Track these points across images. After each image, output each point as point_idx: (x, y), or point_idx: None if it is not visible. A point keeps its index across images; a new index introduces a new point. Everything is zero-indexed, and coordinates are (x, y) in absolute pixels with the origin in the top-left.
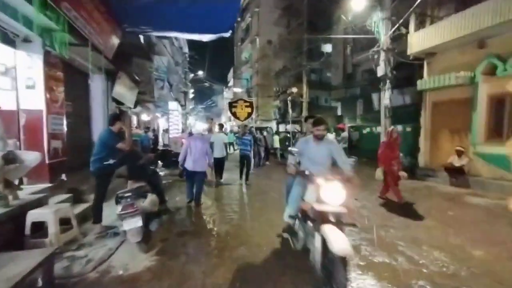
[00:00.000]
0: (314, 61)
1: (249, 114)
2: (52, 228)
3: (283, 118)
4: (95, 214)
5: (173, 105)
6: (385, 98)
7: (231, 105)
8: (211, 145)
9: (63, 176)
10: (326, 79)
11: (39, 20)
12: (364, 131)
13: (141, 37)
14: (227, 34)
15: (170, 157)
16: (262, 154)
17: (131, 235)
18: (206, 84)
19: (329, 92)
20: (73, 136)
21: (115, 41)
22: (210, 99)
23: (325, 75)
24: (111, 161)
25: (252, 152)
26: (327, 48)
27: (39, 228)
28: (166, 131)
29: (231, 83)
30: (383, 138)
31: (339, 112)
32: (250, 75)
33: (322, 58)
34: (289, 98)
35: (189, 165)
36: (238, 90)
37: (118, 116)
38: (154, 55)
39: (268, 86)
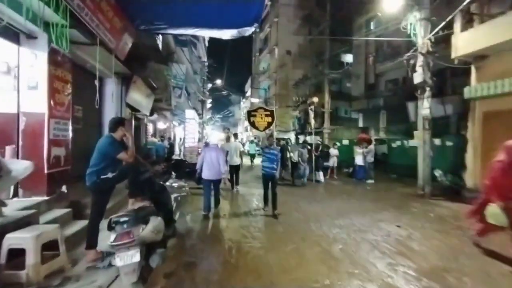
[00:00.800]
0: (334, 71)
1: (269, 124)
2: (31, 258)
3: (302, 129)
4: (89, 237)
5: (190, 113)
6: (424, 107)
7: (250, 114)
8: (227, 153)
9: (64, 188)
10: (346, 89)
11: (44, 14)
12: (394, 145)
13: (158, 40)
14: (251, 29)
15: (184, 168)
16: (307, 171)
17: (125, 274)
18: (224, 93)
19: (349, 103)
20: (81, 143)
21: (128, 40)
22: (227, 109)
23: (345, 85)
24: (109, 175)
25: (278, 171)
26: (348, 58)
27: (21, 254)
28: (182, 140)
29: (248, 93)
30: (420, 153)
31: (360, 124)
32: (268, 85)
33: (342, 68)
34: (310, 108)
35: (205, 174)
36: (255, 100)
37: (121, 121)
38: (172, 62)
39: (286, 96)
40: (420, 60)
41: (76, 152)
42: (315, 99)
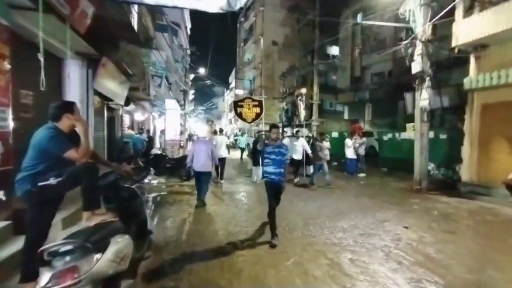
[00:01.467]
0: (324, 61)
1: (258, 115)
2: None
3: (289, 121)
4: (25, 266)
5: (170, 103)
6: (423, 98)
7: (237, 104)
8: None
9: (1, 195)
10: (331, 82)
11: None
12: (385, 137)
13: (132, 18)
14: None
15: (165, 163)
16: (326, 168)
17: None
18: (207, 82)
19: (335, 96)
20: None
21: (87, 8)
22: (211, 101)
23: (330, 78)
24: (52, 180)
25: (285, 175)
26: (334, 50)
27: None
28: (163, 132)
29: (232, 85)
30: (417, 146)
31: (346, 116)
32: (253, 77)
33: (328, 60)
34: (300, 98)
35: (196, 167)
36: (240, 91)
37: (66, 105)
38: (151, 49)
39: (272, 88)
40: (419, 48)
41: (24, 148)
42: (304, 90)
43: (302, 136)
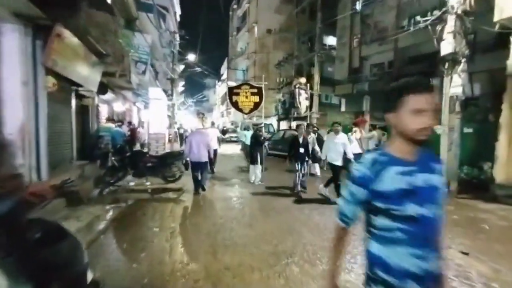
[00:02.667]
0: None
1: (256, 105)
2: None
3: (286, 114)
4: None
5: (155, 92)
6: (454, 85)
7: (232, 91)
8: None
9: None
10: (327, 74)
11: None
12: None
13: None
14: None
15: (145, 162)
16: None
17: None
18: (197, 70)
19: (332, 87)
20: None
21: None
22: (201, 93)
23: (326, 69)
24: None
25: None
26: (330, 40)
27: None
28: (141, 125)
29: (224, 76)
30: (445, 142)
31: (343, 109)
32: (247, 67)
33: (325, 50)
34: (301, 87)
35: (193, 158)
36: (232, 83)
37: None
38: (134, 31)
39: (267, 78)
40: (451, 24)
41: None
42: (303, 80)
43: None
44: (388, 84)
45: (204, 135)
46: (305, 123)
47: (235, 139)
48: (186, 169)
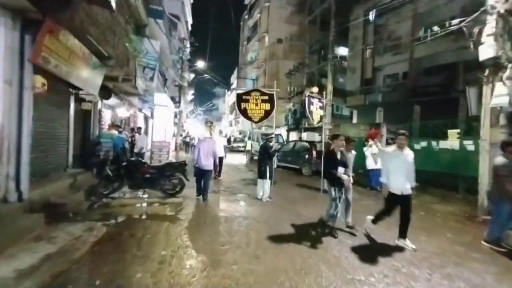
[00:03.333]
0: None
1: (267, 114)
2: None
3: (297, 124)
4: None
5: (161, 98)
6: (497, 95)
7: (241, 98)
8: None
9: None
10: (338, 85)
11: None
12: (417, 146)
13: None
14: None
15: (142, 173)
16: None
17: None
18: (207, 76)
19: (343, 98)
20: None
21: None
22: (211, 102)
23: (337, 80)
24: None
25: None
26: (342, 51)
27: None
28: (138, 131)
29: (234, 85)
30: (484, 161)
31: (354, 121)
32: (256, 76)
33: (336, 60)
34: (309, 98)
35: (200, 164)
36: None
37: None
38: (143, 37)
39: (277, 87)
40: (491, 25)
41: None
42: (315, 89)
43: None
44: (403, 95)
45: (211, 143)
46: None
47: (242, 148)
48: (188, 180)
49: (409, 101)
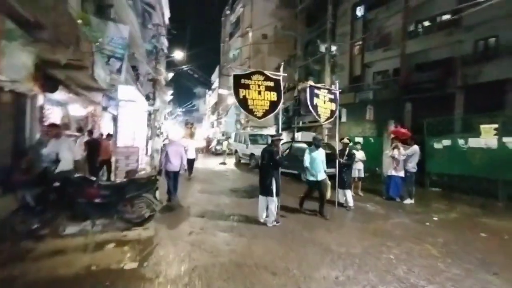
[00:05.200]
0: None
1: (274, 106)
2: None
3: (289, 124)
4: None
5: (127, 91)
6: None
7: (240, 82)
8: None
9: None
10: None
11: None
12: (436, 145)
13: None
14: None
15: (89, 196)
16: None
17: None
18: (185, 67)
19: None
20: None
21: None
22: (191, 102)
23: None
24: None
25: None
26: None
27: None
28: (90, 133)
29: (215, 85)
30: None
31: (343, 119)
32: None
33: (320, 59)
34: (311, 89)
35: (169, 167)
36: (224, 91)
37: None
38: (107, 20)
39: None
40: None
41: None
42: (311, 83)
43: None
44: (395, 92)
45: (179, 146)
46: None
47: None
48: (160, 174)
49: (401, 99)
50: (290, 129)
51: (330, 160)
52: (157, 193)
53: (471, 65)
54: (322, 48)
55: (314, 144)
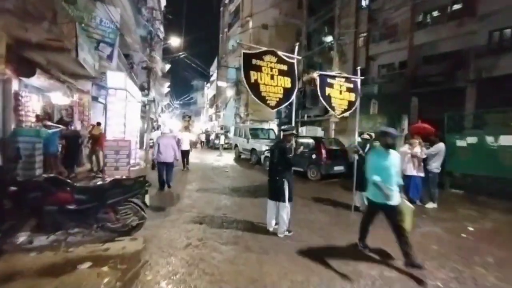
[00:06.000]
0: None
1: (288, 94)
2: None
3: (291, 118)
4: None
5: (115, 78)
6: None
7: (249, 63)
8: (179, 141)
9: None
10: None
11: None
12: (460, 142)
13: None
14: None
15: (60, 202)
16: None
17: None
18: (181, 55)
19: None
20: None
21: None
22: (188, 95)
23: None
24: None
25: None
26: (330, 39)
27: None
28: (66, 124)
29: (214, 77)
30: None
31: (345, 114)
32: (240, 65)
33: (322, 51)
34: (323, 78)
35: (160, 158)
36: (223, 83)
37: None
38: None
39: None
40: None
41: None
42: (315, 75)
43: None
44: (401, 86)
45: (171, 139)
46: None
47: (226, 146)
48: (153, 168)
49: (407, 93)
50: (292, 123)
51: (337, 157)
52: (147, 197)
53: (485, 57)
54: (326, 39)
55: (382, 142)
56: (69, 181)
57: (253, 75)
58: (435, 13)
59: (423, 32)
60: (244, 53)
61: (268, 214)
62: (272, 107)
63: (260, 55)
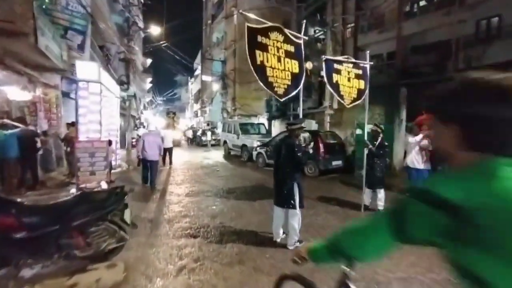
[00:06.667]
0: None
1: (297, 80)
2: None
3: (283, 111)
4: None
5: (88, 69)
6: None
7: (255, 40)
8: (162, 139)
9: None
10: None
11: None
12: None
13: None
14: None
15: (6, 228)
16: None
17: None
18: (162, 45)
19: None
20: None
21: None
22: (172, 90)
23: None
24: None
25: None
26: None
27: None
28: (21, 121)
29: (198, 72)
30: None
31: (335, 106)
32: (225, 58)
33: (309, 43)
34: (328, 63)
35: (145, 156)
36: (207, 78)
37: None
38: None
39: (249, 71)
40: None
41: None
42: (309, 65)
43: None
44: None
45: (156, 136)
46: None
47: (214, 142)
48: (139, 165)
49: (396, 84)
50: (285, 117)
51: (335, 151)
52: (127, 213)
53: (473, 46)
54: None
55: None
56: (15, 199)
57: (259, 56)
58: (423, 2)
59: (411, 21)
60: (248, 27)
61: (275, 223)
62: (281, 96)
63: (265, 31)
